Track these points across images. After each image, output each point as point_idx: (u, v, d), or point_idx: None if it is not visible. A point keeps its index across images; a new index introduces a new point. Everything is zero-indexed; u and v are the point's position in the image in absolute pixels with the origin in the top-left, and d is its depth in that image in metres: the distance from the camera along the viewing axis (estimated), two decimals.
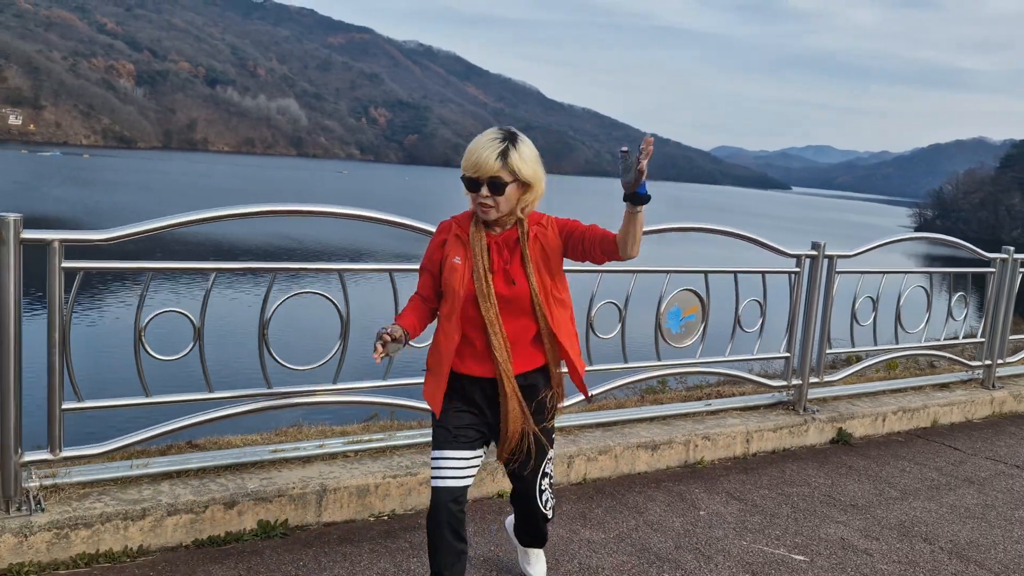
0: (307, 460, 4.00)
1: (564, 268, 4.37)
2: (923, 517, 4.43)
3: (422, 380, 2.88)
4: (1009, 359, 7.07)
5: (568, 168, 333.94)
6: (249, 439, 4.16)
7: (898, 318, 6.21)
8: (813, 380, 5.68)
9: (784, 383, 5.62)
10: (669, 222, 4.98)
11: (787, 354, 5.56)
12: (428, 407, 2.87)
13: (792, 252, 5.47)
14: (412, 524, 3.80)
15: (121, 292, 19.88)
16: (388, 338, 2.61)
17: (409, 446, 4.27)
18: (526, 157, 2.57)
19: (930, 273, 6.61)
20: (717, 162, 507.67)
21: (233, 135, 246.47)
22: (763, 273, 5.37)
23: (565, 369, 2.92)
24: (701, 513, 4.25)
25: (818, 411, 5.65)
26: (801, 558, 3.82)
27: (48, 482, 3.40)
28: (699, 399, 5.65)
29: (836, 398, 6.01)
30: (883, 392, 6.37)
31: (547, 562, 3.55)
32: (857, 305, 5.89)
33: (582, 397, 4.71)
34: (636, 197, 2.49)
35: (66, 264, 3.21)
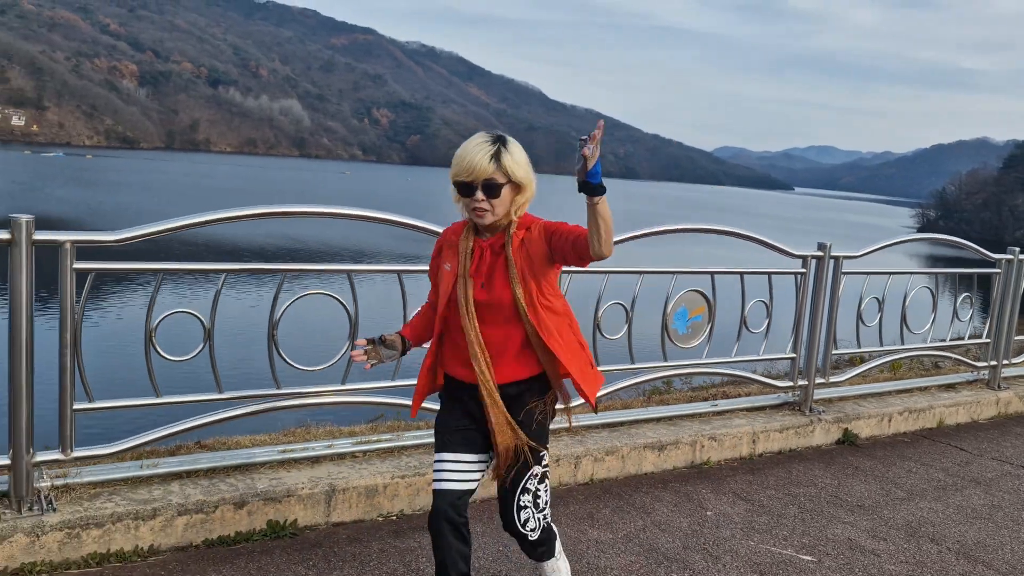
0: (316, 460, 4.01)
1: (568, 270, 4.44)
2: (930, 518, 4.43)
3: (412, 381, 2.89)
4: (1015, 360, 7.07)
5: (570, 168, 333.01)
6: (258, 439, 4.17)
7: (904, 319, 6.22)
8: (819, 381, 5.69)
9: (790, 384, 5.63)
10: (674, 223, 5.00)
11: (793, 355, 5.57)
12: (435, 408, 2.90)
13: (798, 253, 5.48)
14: (421, 524, 3.81)
15: (125, 293, 19.91)
16: (364, 341, 2.72)
17: (417, 446, 4.28)
18: (518, 158, 2.56)
19: (936, 274, 6.60)
20: (720, 163, 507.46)
21: (236, 136, 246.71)
22: (769, 274, 5.38)
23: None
24: (708, 513, 4.26)
25: (824, 412, 5.66)
26: (809, 558, 3.83)
27: (59, 482, 3.41)
28: (705, 400, 5.66)
29: (842, 399, 6.02)
30: (889, 393, 6.37)
31: None
32: (863, 306, 5.90)
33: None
34: (586, 187, 2.38)
35: (78, 265, 3.23)
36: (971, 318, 6.72)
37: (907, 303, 6.24)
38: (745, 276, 5.31)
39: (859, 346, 6.08)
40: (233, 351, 3.75)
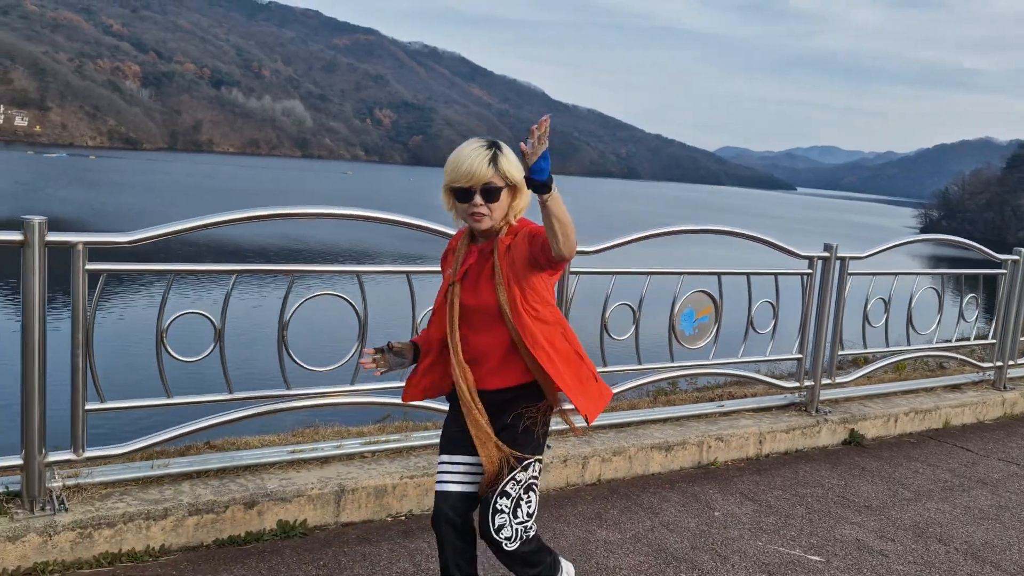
0: (325, 461, 4.03)
1: (575, 271, 4.45)
2: (937, 518, 4.44)
3: (400, 384, 2.89)
4: (1020, 360, 7.08)
5: (573, 169, 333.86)
6: (267, 440, 4.19)
7: (909, 319, 6.23)
8: (825, 381, 5.70)
9: (796, 384, 5.64)
10: (680, 224, 5.01)
11: (799, 355, 5.58)
12: (443, 409, 2.91)
13: (804, 254, 5.49)
14: (430, 525, 3.82)
15: (128, 293, 19.94)
16: (372, 350, 2.71)
17: (425, 447, 4.29)
18: (514, 162, 2.55)
19: (941, 274, 6.61)
20: (722, 163, 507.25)
21: (238, 136, 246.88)
22: (776, 275, 5.39)
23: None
24: (716, 514, 4.27)
25: (830, 412, 5.67)
26: (817, 559, 3.84)
27: (71, 482, 3.43)
28: (711, 400, 5.67)
29: (848, 399, 6.03)
30: (894, 393, 6.38)
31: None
32: (869, 307, 5.91)
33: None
34: (532, 184, 2.30)
35: (90, 266, 3.24)
36: (976, 319, 6.72)
37: (913, 304, 6.25)
38: (752, 277, 5.31)
39: (865, 347, 6.09)
40: (237, 351, 3.74)
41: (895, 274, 6.12)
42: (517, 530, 2.64)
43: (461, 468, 2.71)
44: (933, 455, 5.56)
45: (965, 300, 6.65)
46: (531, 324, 2.53)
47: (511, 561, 2.68)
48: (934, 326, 6.41)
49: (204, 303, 3.76)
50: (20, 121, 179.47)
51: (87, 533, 3.24)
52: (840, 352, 5.76)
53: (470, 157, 2.50)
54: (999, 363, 6.85)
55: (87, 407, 3.35)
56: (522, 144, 2.28)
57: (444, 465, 2.73)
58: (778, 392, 5.73)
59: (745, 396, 5.83)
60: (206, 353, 3.60)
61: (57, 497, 3.31)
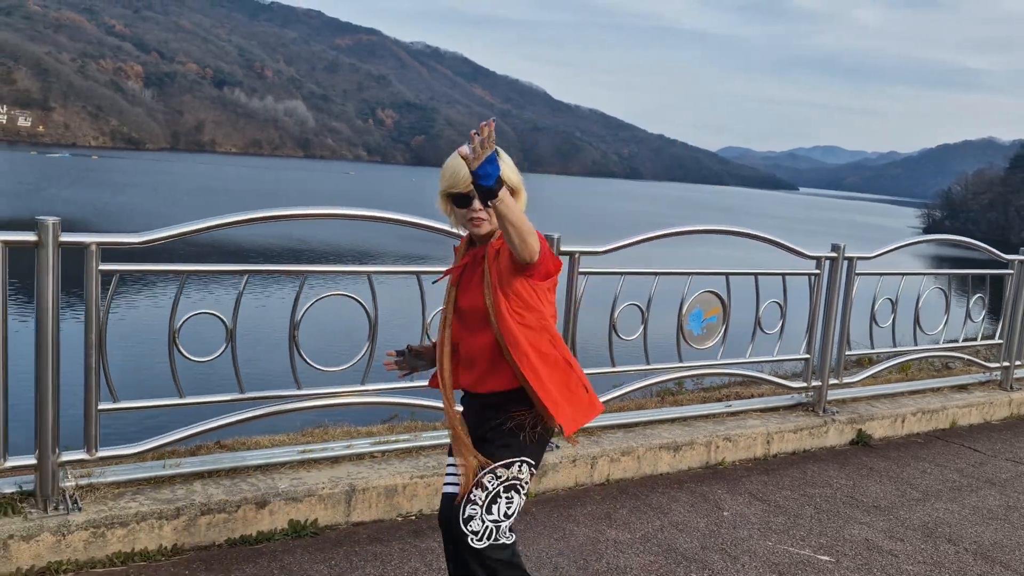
0: (335, 461, 4.04)
1: (584, 271, 4.46)
2: (946, 518, 4.44)
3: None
4: None
5: (575, 169, 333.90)
6: (276, 439, 4.20)
7: (917, 320, 6.23)
8: (833, 381, 5.70)
9: (804, 384, 5.64)
10: (686, 225, 5.02)
11: (807, 355, 5.58)
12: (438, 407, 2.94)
13: (812, 254, 5.50)
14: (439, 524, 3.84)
15: (133, 293, 19.97)
16: (394, 352, 2.74)
17: (434, 446, 4.30)
18: (510, 165, 2.54)
19: (948, 275, 6.61)
20: (724, 163, 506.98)
21: (241, 136, 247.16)
22: (783, 275, 5.40)
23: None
24: (725, 514, 4.28)
25: (837, 412, 5.67)
26: (827, 559, 3.84)
27: (83, 481, 3.44)
28: (718, 400, 5.68)
29: (855, 399, 6.03)
30: (901, 394, 6.38)
31: (576, 562, 3.59)
32: (876, 307, 5.91)
33: (604, 398, 4.78)
34: (479, 189, 2.27)
35: (103, 267, 3.26)
36: (983, 319, 6.72)
37: (920, 304, 6.25)
38: (759, 277, 5.32)
39: (873, 347, 6.10)
40: (244, 351, 3.75)
41: (902, 274, 6.12)
42: (488, 527, 2.55)
43: (463, 470, 2.71)
44: (941, 455, 5.56)
45: (972, 300, 6.65)
46: (515, 328, 2.50)
47: (476, 563, 2.56)
48: (941, 326, 6.41)
49: (207, 303, 3.76)
50: (23, 121, 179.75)
51: (100, 532, 3.26)
52: (848, 352, 5.76)
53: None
54: (1006, 363, 6.85)
55: (100, 407, 3.36)
56: (461, 149, 2.24)
57: (450, 467, 2.74)
58: (785, 392, 5.73)
59: (752, 396, 5.83)
60: (218, 353, 3.61)
61: (70, 496, 3.32)
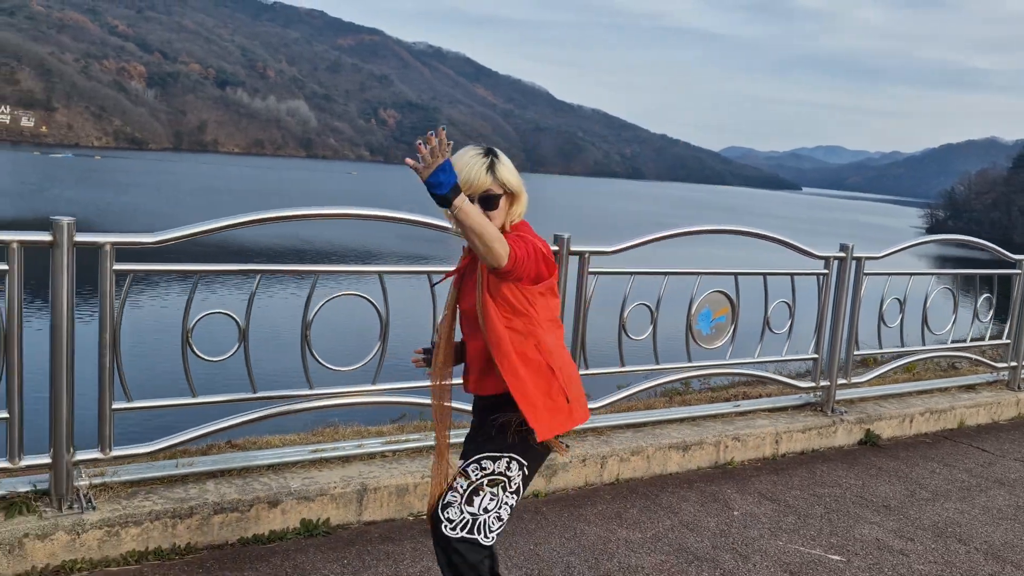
0: (346, 460, 4.05)
1: (594, 271, 4.46)
2: (956, 518, 4.45)
3: (459, 381, 2.91)
4: None
5: (578, 169, 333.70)
6: (287, 439, 4.21)
7: (925, 320, 6.23)
8: (841, 381, 5.70)
9: (812, 384, 5.64)
10: (697, 224, 5.02)
11: (815, 355, 5.58)
12: (463, 408, 2.95)
13: (821, 254, 5.50)
14: None
15: (135, 293, 20.00)
16: (421, 350, 2.80)
17: (452, 445, 4.30)
18: (510, 169, 2.56)
19: (957, 275, 6.61)
20: (727, 163, 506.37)
21: (243, 136, 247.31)
22: (792, 275, 5.40)
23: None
24: (735, 513, 4.28)
25: (846, 412, 5.67)
26: (838, 558, 3.85)
27: (97, 480, 3.45)
28: (727, 400, 5.68)
29: (863, 399, 6.03)
30: (909, 394, 6.38)
31: (587, 561, 3.59)
32: (884, 307, 5.91)
33: (614, 398, 4.79)
34: (434, 197, 2.26)
35: (117, 267, 3.27)
36: (991, 319, 6.72)
37: (928, 304, 6.25)
38: (768, 277, 5.32)
39: (881, 347, 6.09)
40: (253, 351, 3.76)
41: (911, 274, 6.12)
42: (465, 518, 2.53)
43: None
44: (949, 455, 5.56)
45: (980, 300, 6.65)
46: (501, 331, 2.50)
47: (444, 550, 2.54)
48: (949, 326, 6.41)
49: (211, 303, 3.75)
50: (26, 122, 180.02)
51: (114, 531, 3.27)
52: (856, 352, 5.77)
53: (468, 165, 2.49)
54: (1013, 363, 6.85)
55: (114, 406, 3.37)
56: (407, 160, 2.24)
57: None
58: (793, 392, 5.73)
59: (759, 396, 5.84)
60: (231, 352, 3.62)
61: (84, 495, 3.33)
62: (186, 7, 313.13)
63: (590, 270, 4.49)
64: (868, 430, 5.67)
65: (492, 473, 2.56)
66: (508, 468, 2.57)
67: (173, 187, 72.97)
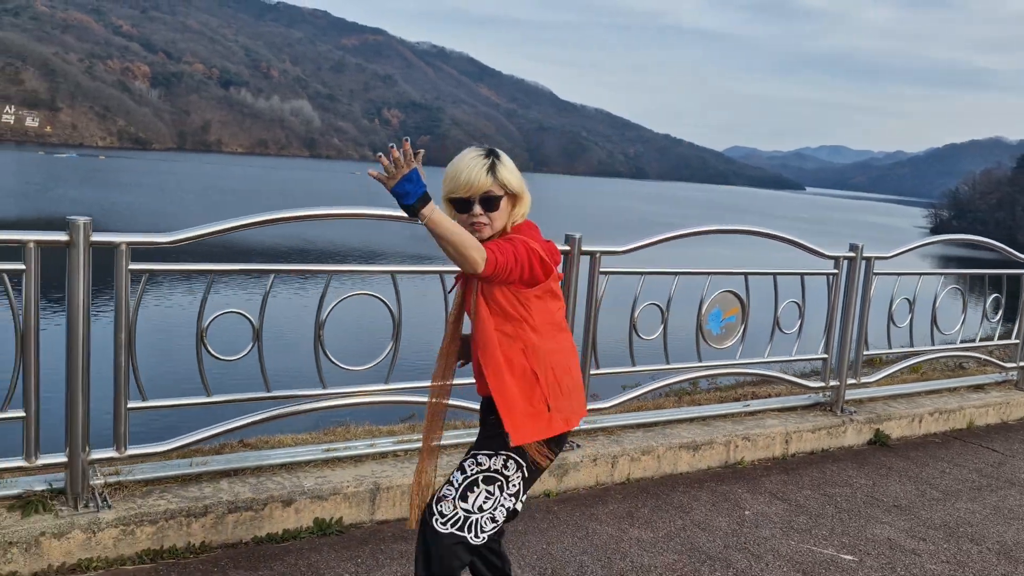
0: (358, 459, 4.05)
1: (605, 271, 4.46)
2: (967, 518, 4.44)
3: (471, 380, 2.91)
4: None
5: (581, 169, 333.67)
6: (299, 438, 4.22)
7: (934, 320, 6.23)
8: (851, 381, 5.70)
9: (822, 384, 5.64)
10: (706, 224, 5.03)
11: (824, 355, 5.58)
12: (474, 408, 2.96)
13: (830, 254, 5.50)
14: None
15: (153, 292, 20.00)
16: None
17: (456, 445, 4.31)
18: (512, 170, 2.54)
19: (966, 275, 6.60)
20: (730, 162, 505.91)
21: (247, 136, 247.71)
22: (802, 275, 5.40)
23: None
24: (746, 513, 4.29)
25: (855, 412, 5.67)
26: (850, 558, 3.85)
27: (112, 479, 3.46)
28: (736, 400, 5.68)
29: (872, 399, 6.03)
30: (918, 393, 6.38)
31: (599, 560, 3.60)
32: (894, 307, 5.91)
33: (624, 397, 4.79)
34: (400, 206, 2.28)
35: (133, 266, 3.28)
36: (1000, 319, 6.71)
37: (937, 304, 6.24)
38: (778, 277, 5.32)
39: (890, 347, 6.09)
40: (265, 350, 3.77)
41: (920, 274, 6.12)
42: (458, 515, 2.51)
43: None
44: (959, 455, 5.56)
45: (988, 300, 6.64)
46: (491, 333, 2.50)
47: (430, 544, 2.51)
48: (958, 326, 6.41)
49: (217, 301, 3.75)
50: (31, 122, 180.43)
51: (130, 530, 3.28)
52: (865, 352, 5.76)
53: (468, 167, 2.47)
54: (1022, 363, 6.84)
55: (129, 405, 3.39)
56: (370, 172, 2.25)
57: None
58: (803, 392, 5.73)
59: (768, 396, 5.84)
60: (245, 352, 3.63)
61: (100, 494, 3.35)
62: (190, 7, 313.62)
63: (601, 270, 4.49)
64: (878, 430, 5.67)
65: (488, 469, 2.54)
66: (505, 467, 2.55)
67: (177, 187, 73.11)
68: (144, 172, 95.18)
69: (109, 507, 3.30)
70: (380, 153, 2.22)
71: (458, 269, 2.46)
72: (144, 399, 3.44)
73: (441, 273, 4.13)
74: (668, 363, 4.91)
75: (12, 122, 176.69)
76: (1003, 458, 5.57)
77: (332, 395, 3.86)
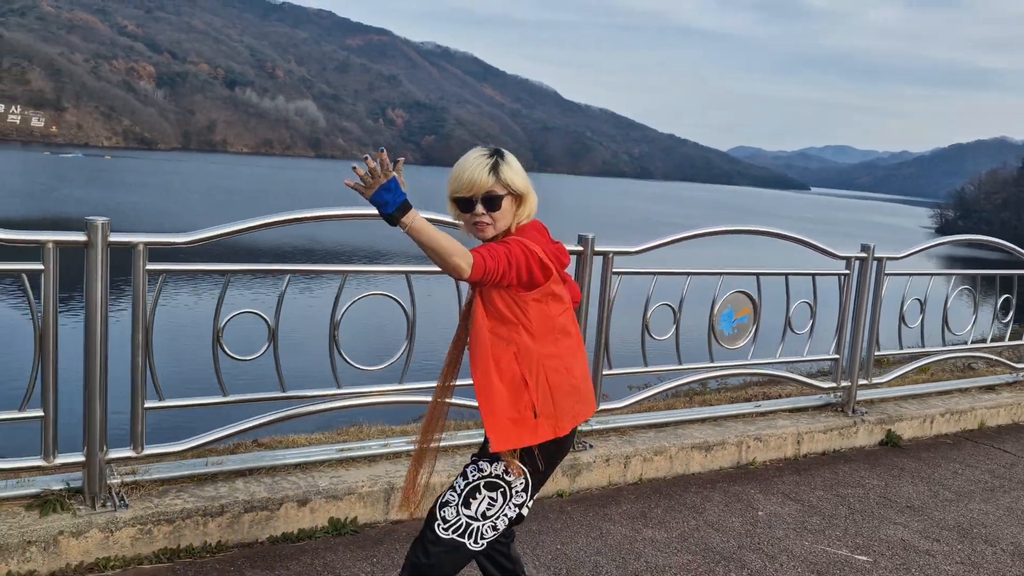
0: (372, 459, 4.06)
1: (618, 271, 4.47)
2: (981, 519, 4.44)
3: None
4: None
5: (586, 169, 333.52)
6: (313, 438, 4.23)
7: (945, 320, 6.22)
8: (862, 382, 5.69)
9: (833, 384, 5.64)
10: (717, 225, 5.02)
11: (836, 356, 5.58)
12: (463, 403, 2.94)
13: (842, 254, 5.50)
14: None
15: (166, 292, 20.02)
16: None
17: (469, 445, 4.32)
18: (516, 170, 2.50)
19: (976, 276, 6.58)
20: (735, 162, 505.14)
21: (252, 136, 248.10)
22: (813, 275, 5.40)
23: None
24: (759, 513, 4.29)
25: (866, 413, 5.67)
26: (864, 559, 3.85)
27: (129, 479, 3.48)
28: (747, 400, 5.68)
29: (883, 400, 6.02)
30: (929, 394, 6.37)
31: (614, 560, 3.60)
32: (905, 307, 5.90)
33: (636, 398, 4.79)
34: (381, 215, 2.30)
35: (150, 266, 3.29)
36: (1011, 320, 6.70)
37: (948, 305, 6.23)
38: (789, 277, 5.32)
39: (901, 347, 6.09)
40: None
41: (931, 274, 6.12)
42: (461, 521, 2.49)
43: None
44: (971, 456, 5.55)
45: (999, 301, 6.63)
46: (484, 335, 2.47)
47: (421, 542, 2.53)
48: (969, 327, 6.40)
49: (228, 302, 3.76)
50: (37, 122, 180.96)
51: (147, 529, 3.29)
52: (877, 352, 5.76)
53: (471, 166, 2.46)
54: None
55: (146, 405, 3.40)
56: (346, 181, 2.25)
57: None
58: (814, 392, 5.73)
59: (779, 396, 5.84)
60: (261, 352, 3.64)
61: (117, 493, 3.36)
62: (195, 7, 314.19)
63: (614, 270, 4.49)
64: (889, 431, 5.67)
65: (489, 476, 2.51)
66: (507, 472, 2.51)
67: (182, 187, 73.22)
68: (149, 172, 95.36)
69: (126, 506, 3.31)
70: (355, 164, 2.22)
71: None
72: (161, 399, 3.45)
73: None
74: (680, 363, 4.91)
75: (18, 122, 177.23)
76: (1015, 459, 5.56)
77: (347, 395, 3.87)
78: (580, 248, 4.30)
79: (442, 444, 4.21)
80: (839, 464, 5.16)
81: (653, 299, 4.71)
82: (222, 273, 3.57)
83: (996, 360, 6.84)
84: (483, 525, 2.50)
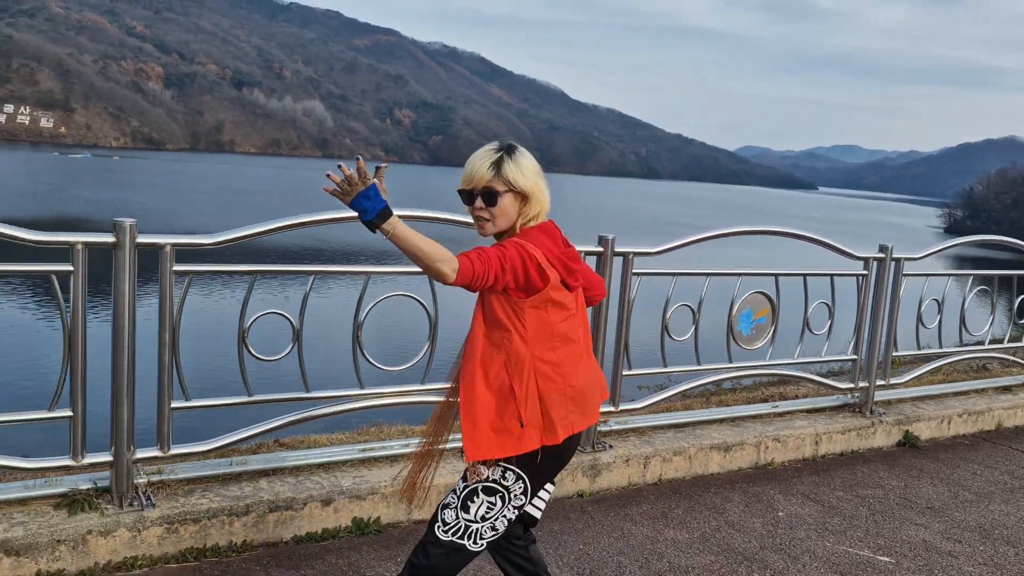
0: (394, 459, 4.07)
1: (638, 272, 4.47)
2: (1002, 520, 4.43)
3: None
4: None
5: (593, 169, 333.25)
6: (335, 438, 4.25)
7: (963, 321, 6.21)
8: (880, 382, 5.69)
9: (851, 385, 5.63)
10: (734, 226, 5.02)
11: (854, 356, 5.57)
12: None
13: (860, 255, 5.49)
14: None
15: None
16: None
17: None
18: (523, 168, 2.44)
19: (994, 276, 6.57)
20: (743, 162, 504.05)
21: (259, 137, 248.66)
22: (832, 276, 5.39)
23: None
24: (780, 514, 4.29)
25: (884, 413, 5.66)
26: (887, 559, 3.84)
27: (155, 478, 3.50)
28: (764, 401, 5.68)
29: (900, 400, 6.01)
30: (946, 395, 6.35)
31: (637, 560, 3.61)
32: (923, 308, 5.89)
33: (655, 398, 4.79)
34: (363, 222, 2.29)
35: (177, 267, 3.31)
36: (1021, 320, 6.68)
37: (966, 305, 6.22)
38: (807, 277, 5.32)
39: (919, 348, 6.08)
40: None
41: (949, 275, 6.10)
42: (460, 524, 2.49)
43: None
44: (989, 457, 5.54)
45: (1017, 302, 6.61)
46: (479, 339, 2.45)
47: (422, 544, 2.53)
48: (987, 327, 6.38)
49: (255, 302, 3.77)
50: (45, 122, 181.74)
51: (174, 528, 3.31)
52: (895, 353, 5.75)
53: (476, 159, 2.46)
54: None
55: (173, 405, 3.42)
56: (325, 188, 2.25)
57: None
58: (831, 392, 5.72)
59: (796, 397, 5.83)
60: (286, 352, 3.66)
61: (143, 493, 3.38)
62: (203, 8, 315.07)
63: (634, 271, 4.50)
64: (907, 431, 5.66)
65: (486, 480, 2.48)
66: (503, 477, 2.48)
67: (191, 187, 73.41)
68: (158, 172, 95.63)
69: (153, 506, 3.33)
70: (329, 172, 2.23)
71: None
72: (187, 399, 3.48)
73: None
74: (699, 364, 4.91)
75: (27, 123, 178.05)
76: None
77: (370, 395, 3.89)
78: (600, 249, 4.31)
79: (448, 445, 4.25)
80: (857, 465, 5.15)
81: (672, 300, 4.71)
82: (248, 274, 3.58)
83: (1012, 360, 6.82)
84: (482, 527, 2.50)
